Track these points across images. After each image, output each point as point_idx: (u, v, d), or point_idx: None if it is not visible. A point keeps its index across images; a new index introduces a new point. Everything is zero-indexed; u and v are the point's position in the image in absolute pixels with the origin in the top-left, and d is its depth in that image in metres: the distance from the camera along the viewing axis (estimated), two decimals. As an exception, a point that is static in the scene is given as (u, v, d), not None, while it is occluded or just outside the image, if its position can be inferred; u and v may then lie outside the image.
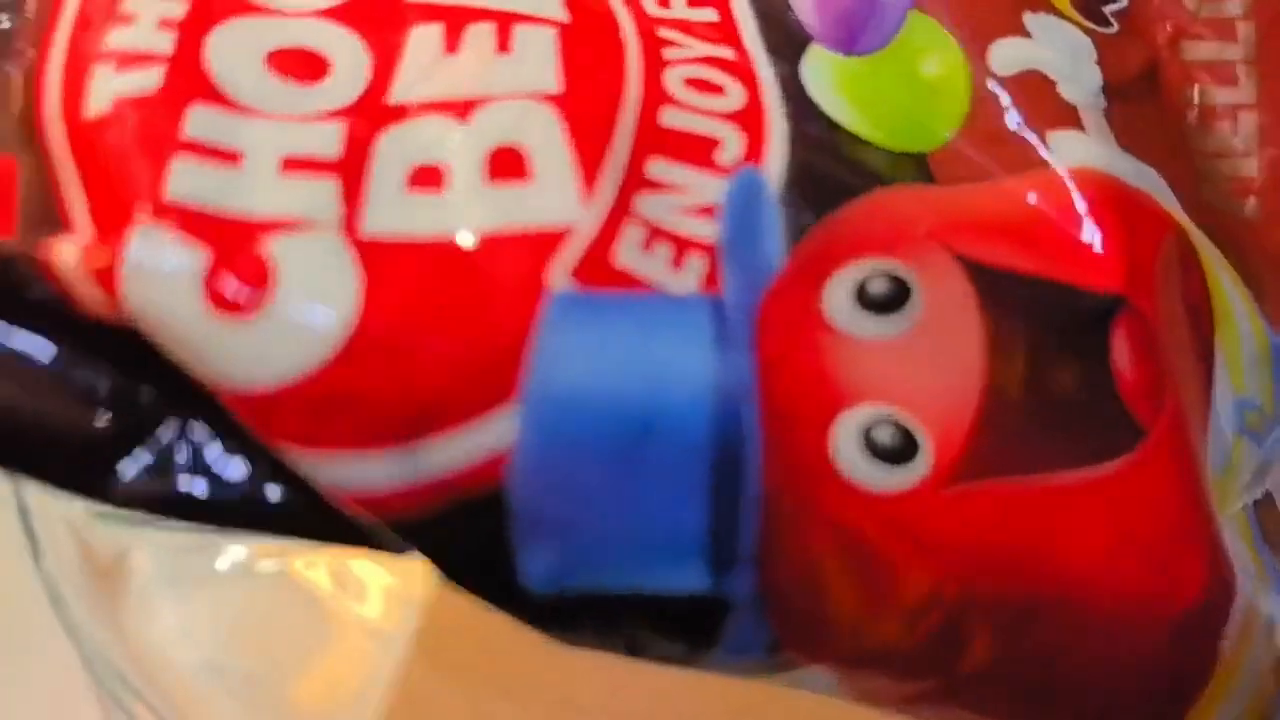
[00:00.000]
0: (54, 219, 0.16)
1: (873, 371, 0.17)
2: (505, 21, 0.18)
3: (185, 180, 0.16)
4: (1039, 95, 0.18)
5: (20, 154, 0.16)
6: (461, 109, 0.17)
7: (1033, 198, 0.18)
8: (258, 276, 0.16)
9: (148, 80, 0.17)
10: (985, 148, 0.18)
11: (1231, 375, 0.18)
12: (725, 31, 0.19)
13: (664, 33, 0.18)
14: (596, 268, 0.16)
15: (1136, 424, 0.17)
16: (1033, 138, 0.18)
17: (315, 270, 0.16)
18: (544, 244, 0.16)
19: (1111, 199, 0.18)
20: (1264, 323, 0.19)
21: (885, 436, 0.16)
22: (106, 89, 0.17)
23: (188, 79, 0.17)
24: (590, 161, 0.17)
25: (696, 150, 0.17)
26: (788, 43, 0.19)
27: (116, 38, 0.17)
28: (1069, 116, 0.18)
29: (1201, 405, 0.18)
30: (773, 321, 0.17)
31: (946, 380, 0.17)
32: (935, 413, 0.17)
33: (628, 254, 0.17)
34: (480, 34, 0.18)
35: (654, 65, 0.18)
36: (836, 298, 0.17)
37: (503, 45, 0.18)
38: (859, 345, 0.17)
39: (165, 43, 0.17)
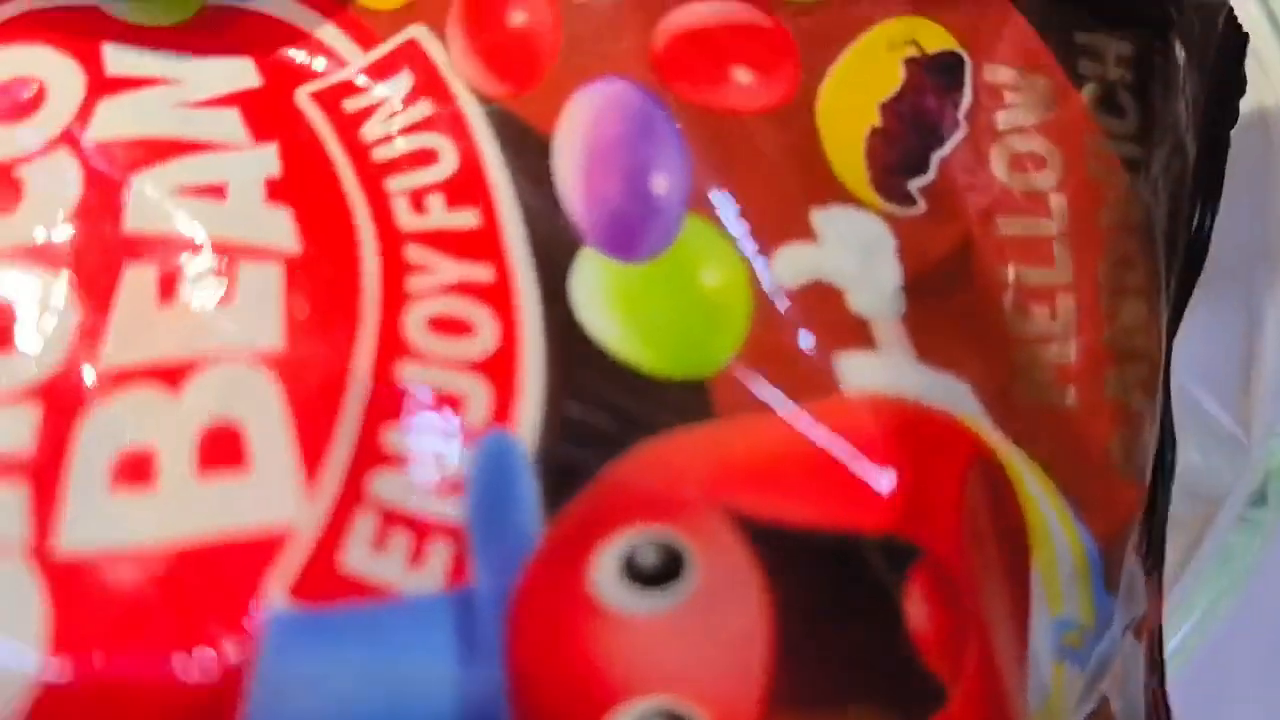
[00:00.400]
0: None
1: (645, 657, 0.15)
2: (226, 258, 0.16)
3: None
4: (827, 310, 0.17)
5: None
6: (173, 376, 0.15)
7: (818, 433, 0.16)
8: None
9: None
10: (769, 371, 0.16)
11: (1049, 598, 0.17)
12: (486, 239, 0.17)
13: (412, 254, 0.17)
14: (321, 578, 0.15)
15: (937, 684, 0.16)
16: (820, 360, 0.16)
17: (-5, 611, 0.14)
18: (259, 553, 0.15)
19: (904, 430, 0.16)
20: (1080, 529, 0.17)
21: (660, 736, 0.15)
22: None
23: None
24: (313, 441, 0.15)
25: (438, 413, 0.16)
26: (557, 247, 0.17)
27: None
28: (859, 333, 0.17)
29: (1018, 640, 0.17)
30: (530, 610, 0.15)
31: (729, 658, 0.15)
32: (718, 697, 0.15)
33: (358, 555, 0.15)
34: (198, 275, 0.16)
35: (394, 303, 0.16)
36: (603, 573, 0.15)
37: (221, 290, 0.16)
38: (629, 626, 0.15)
39: None
